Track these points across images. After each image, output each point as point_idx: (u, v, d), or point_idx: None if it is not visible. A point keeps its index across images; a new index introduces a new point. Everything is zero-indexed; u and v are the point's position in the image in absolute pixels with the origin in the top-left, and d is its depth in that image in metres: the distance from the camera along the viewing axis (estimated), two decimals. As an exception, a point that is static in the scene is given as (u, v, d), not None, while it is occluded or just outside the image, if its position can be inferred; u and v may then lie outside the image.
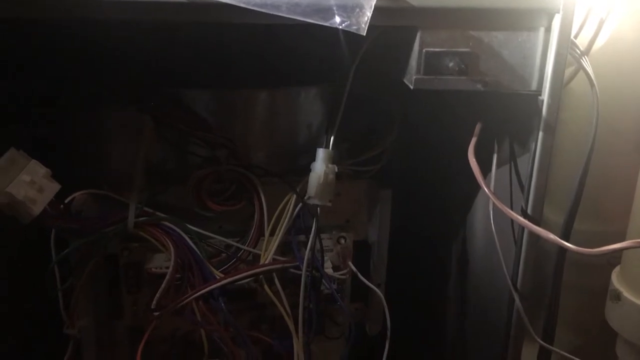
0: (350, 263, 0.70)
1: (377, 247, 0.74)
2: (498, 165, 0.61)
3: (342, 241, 0.70)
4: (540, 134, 0.54)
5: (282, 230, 0.64)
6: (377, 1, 0.47)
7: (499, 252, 0.60)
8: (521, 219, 0.55)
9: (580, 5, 0.56)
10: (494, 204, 0.56)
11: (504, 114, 0.60)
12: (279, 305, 0.64)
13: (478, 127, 0.58)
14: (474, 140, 0.57)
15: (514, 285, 0.60)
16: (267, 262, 0.64)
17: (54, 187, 0.55)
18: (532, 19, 0.52)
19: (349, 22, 0.46)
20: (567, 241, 0.56)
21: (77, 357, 0.65)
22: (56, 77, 0.62)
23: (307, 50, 0.65)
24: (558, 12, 0.51)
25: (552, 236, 0.53)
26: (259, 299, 0.67)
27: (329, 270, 0.68)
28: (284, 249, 0.66)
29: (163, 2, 0.47)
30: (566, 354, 0.61)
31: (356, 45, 0.58)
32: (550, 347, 0.62)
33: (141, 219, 0.61)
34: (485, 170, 0.59)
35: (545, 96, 0.53)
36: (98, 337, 0.66)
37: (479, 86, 0.53)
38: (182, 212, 0.63)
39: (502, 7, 0.51)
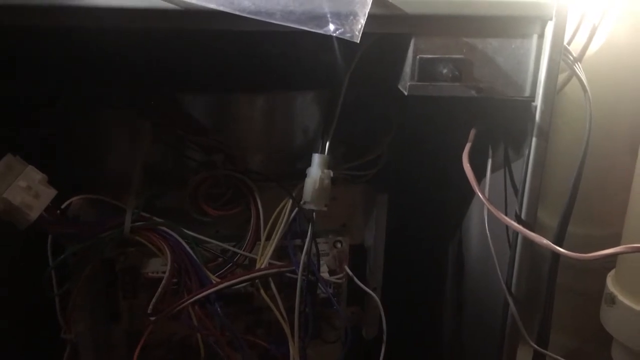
0: (346, 267, 0.70)
1: (373, 251, 0.74)
2: (492, 170, 0.61)
3: (339, 245, 0.70)
4: (534, 139, 0.55)
5: (278, 235, 0.64)
6: (371, 9, 0.47)
7: (493, 256, 0.61)
8: (515, 224, 0.56)
9: (573, 12, 0.56)
10: (488, 208, 0.57)
11: (498, 119, 0.60)
12: (275, 309, 0.64)
13: (472, 132, 0.58)
14: (468, 146, 0.57)
15: (509, 289, 0.60)
16: (263, 266, 0.64)
17: (50, 193, 0.55)
18: (525, 26, 0.52)
19: (342, 29, 0.46)
20: (561, 245, 0.56)
21: (74, 362, 0.66)
22: (55, 80, 0.63)
23: (304, 55, 0.65)
24: (551, 20, 0.51)
25: (545, 241, 0.53)
26: (255, 303, 0.68)
27: (325, 274, 0.68)
28: (280, 253, 0.66)
29: (159, 10, 0.47)
30: (560, 358, 0.61)
31: (352, 51, 0.58)
32: (545, 351, 0.62)
33: (138, 223, 0.61)
34: (480, 175, 0.59)
35: (538, 102, 0.54)
36: (95, 342, 0.66)
37: (473, 92, 0.53)
38: (178, 217, 0.63)
39: (496, 15, 0.52)
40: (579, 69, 0.56)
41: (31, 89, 0.62)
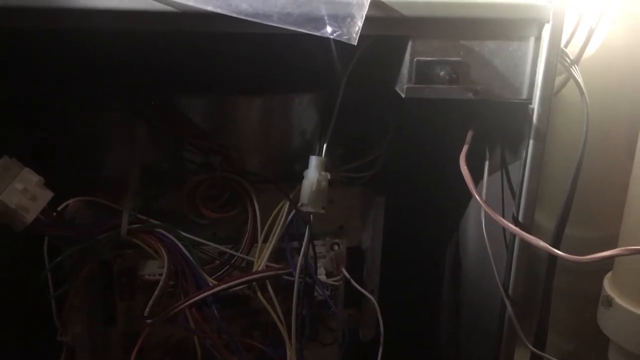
0: (343, 269, 0.70)
1: (371, 253, 0.74)
2: (490, 173, 0.61)
3: (336, 247, 0.70)
4: (531, 141, 0.55)
5: (275, 237, 0.64)
6: (368, 11, 0.48)
7: (490, 258, 0.61)
8: (512, 226, 0.56)
9: (570, 14, 0.57)
10: (485, 211, 0.57)
11: (495, 121, 0.60)
12: (272, 312, 0.64)
13: (469, 134, 0.59)
14: (465, 148, 0.57)
15: (506, 291, 0.60)
16: (260, 269, 0.64)
17: (46, 195, 0.55)
18: (522, 28, 0.52)
19: (340, 32, 0.47)
20: (558, 247, 0.56)
21: (70, 364, 0.65)
22: (52, 82, 0.62)
23: (302, 57, 0.65)
24: (548, 22, 0.51)
25: (542, 243, 0.53)
26: (252, 305, 0.67)
27: (322, 276, 0.68)
28: (278, 255, 0.66)
29: (156, 12, 0.47)
30: (557, 360, 0.61)
31: (349, 53, 0.58)
32: (542, 353, 0.62)
33: (134, 225, 0.61)
34: (477, 177, 0.59)
35: (535, 104, 0.54)
36: (91, 344, 0.66)
37: (470, 95, 0.53)
38: (175, 219, 0.63)
39: (493, 17, 0.52)
40: (576, 71, 0.57)
41: (28, 91, 0.62)
